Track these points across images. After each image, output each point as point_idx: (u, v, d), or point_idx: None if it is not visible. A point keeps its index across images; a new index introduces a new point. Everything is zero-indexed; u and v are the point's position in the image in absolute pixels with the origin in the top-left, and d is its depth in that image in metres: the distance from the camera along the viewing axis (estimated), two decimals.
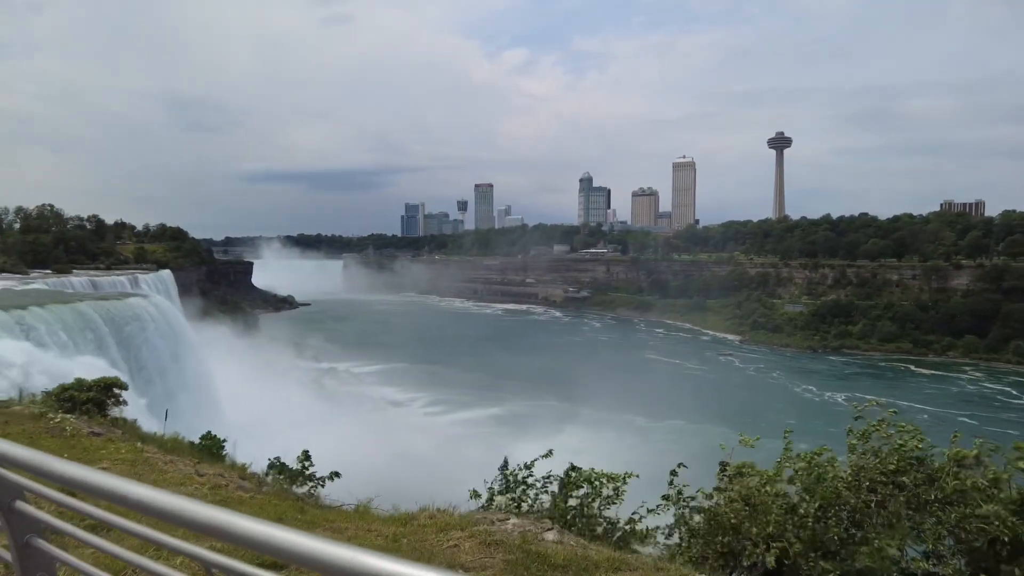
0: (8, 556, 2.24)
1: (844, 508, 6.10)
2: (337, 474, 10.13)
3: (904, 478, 6.03)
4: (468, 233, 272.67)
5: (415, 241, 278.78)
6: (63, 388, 12.35)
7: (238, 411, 44.18)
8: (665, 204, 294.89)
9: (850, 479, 6.22)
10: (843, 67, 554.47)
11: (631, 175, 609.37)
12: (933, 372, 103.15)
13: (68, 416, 11.02)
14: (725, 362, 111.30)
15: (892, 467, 6.12)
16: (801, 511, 6.13)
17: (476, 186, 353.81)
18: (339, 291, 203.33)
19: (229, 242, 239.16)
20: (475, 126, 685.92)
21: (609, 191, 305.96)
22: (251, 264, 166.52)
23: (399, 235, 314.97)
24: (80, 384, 12.35)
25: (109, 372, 31.64)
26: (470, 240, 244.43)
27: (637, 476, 8.13)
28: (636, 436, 59.42)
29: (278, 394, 59.42)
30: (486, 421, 66.02)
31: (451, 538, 6.15)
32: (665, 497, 7.42)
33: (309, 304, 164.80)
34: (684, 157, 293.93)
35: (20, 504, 2.22)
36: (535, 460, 8.85)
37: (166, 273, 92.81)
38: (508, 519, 7.04)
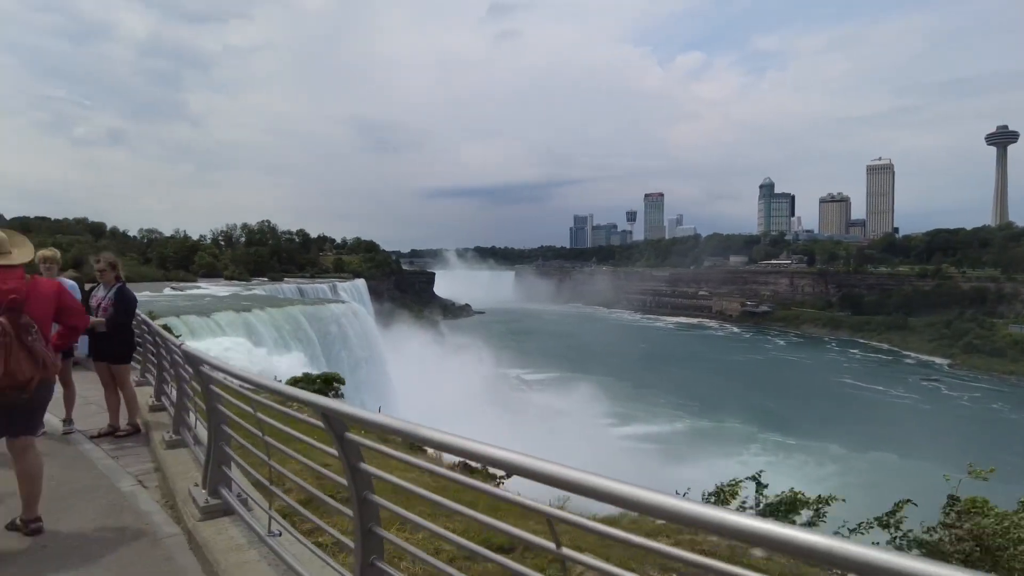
0: (343, 479, 2.93)
1: None
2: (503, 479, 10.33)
3: None
4: (638, 244, 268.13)
5: (582, 252, 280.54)
6: (295, 380, 14.15)
7: (415, 409, 47.40)
8: (858, 211, 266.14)
9: None
10: None
11: (817, 180, 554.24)
12: None
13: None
14: (930, 388, 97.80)
15: None
16: None
17: (646, 195, 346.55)
18: (510, 300, 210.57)
19: (414, 254, 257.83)
20: (644, 135, 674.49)
21: (793, 197, 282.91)
22: (433, 274, 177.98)
23: (567, 247, 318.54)
24: (308, 377, 14.05)
25: (313, 368, 35.73)
26: (639, 251, 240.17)
27: (843, 500, 7.52)
28: (834, 465, 54.02)
29: (451, 395, 62.67)
30: (658, 437, 64.02)
31: (633, 546, 6.04)
32: (882, 524, 6.75)
33: (483, 312, 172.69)
34: (880, 159, 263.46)
35: (348, 435, 2.81)
36: (730, 482, 8.49)
37: (360, 282, 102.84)
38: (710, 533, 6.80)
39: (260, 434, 3.83)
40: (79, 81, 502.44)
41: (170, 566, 4.10)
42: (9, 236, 4.63)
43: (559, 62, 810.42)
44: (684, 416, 72.90)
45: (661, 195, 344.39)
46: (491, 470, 8.12)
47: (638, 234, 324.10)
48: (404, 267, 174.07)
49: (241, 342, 40.61)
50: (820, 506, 7.32)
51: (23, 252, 4.67)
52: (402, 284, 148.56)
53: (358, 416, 2.66)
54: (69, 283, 8.64)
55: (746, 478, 8.24)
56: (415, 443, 2.43)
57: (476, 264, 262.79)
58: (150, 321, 8.19)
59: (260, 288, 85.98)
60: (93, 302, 7.67)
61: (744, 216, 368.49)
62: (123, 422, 7.62)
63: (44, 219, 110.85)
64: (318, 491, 3.40)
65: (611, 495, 1.69)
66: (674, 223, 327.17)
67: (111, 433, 7.43)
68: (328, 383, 14.37)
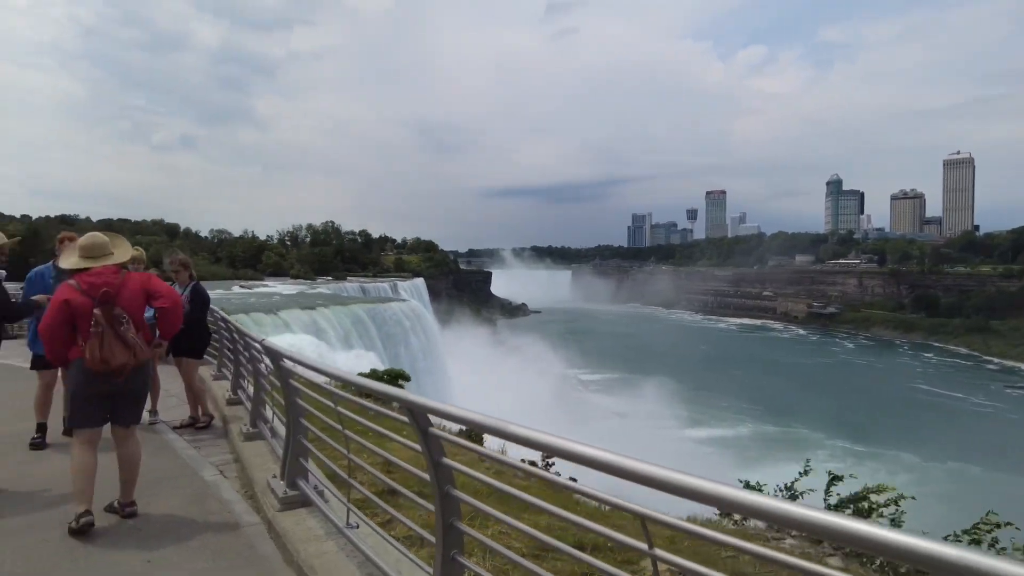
0: (425, 474, 2.97)
1: None
2: (573, 480, 10.30)
3: None
4: (700, 242, 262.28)
5: (641, 252, 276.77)
6: (362, 376, 14.54)
7: (474, 407, 47.54)
8: (933, 208, 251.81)
9: None
10: None
11: (889, 176, 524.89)
12: None
13: None
14: (1016, 396, 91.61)
15: None
16: None
17: (707, 193, 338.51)
18: (566, 300, 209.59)
19: (471, 253, 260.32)
20: (705, 131, 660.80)
21: (862, 194, 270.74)
22: (490, 274, 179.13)
23: (625, 246, 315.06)
24: (375, 374, 14.38)
25: (376, 364, 36.43)
26: (700, 250, 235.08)
27: (914, 498, 7.17)
28: (908, 474, 51.25)
29: (510, 394, 62.80)
30: (722, 441, 62.27)
31: (729, 547, 5.90)
32: (972, 540, 6.33)
33: (539, 312, 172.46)
34: (958, 153, 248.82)
35: (432, 430, 2.87)
36: (795, 481, 8.24)
37: (420, 281, 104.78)
38: (784, 538, 6.60)
39: (339, 427, 3.94)
40: (156, 90, 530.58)
41: (252, 553, 4.28)
42: (111, 239, 5.02)
43: (617, 59, 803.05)
44: (748, 420, 70.84)
45: (723, 193, 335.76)
46: (553, 468, 8.11)
47: (699, 233, 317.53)
48: (462, 266, 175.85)
49: (312, 341, 41.77)
50: (889, 503, 7.04)
51: (122, 252, 5.05)
52: (460, 283, 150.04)
53: (445, 411, 2.68)
54: None
55: (800, 473, 8.04)
56: (504, 438, 2.42)
57: (533, 264, 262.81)
58: (228, 318, 8.54)
59: (324, 287, 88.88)
60: None
61: (810, 214, 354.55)
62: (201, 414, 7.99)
63: (125, 221, 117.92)
64: (398, 484, 3.48)
65: (703, 494, 1.66)
66: (737, 221, 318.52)
67: (191, 424, 7.81)
68: (394, 380, 14.62)
